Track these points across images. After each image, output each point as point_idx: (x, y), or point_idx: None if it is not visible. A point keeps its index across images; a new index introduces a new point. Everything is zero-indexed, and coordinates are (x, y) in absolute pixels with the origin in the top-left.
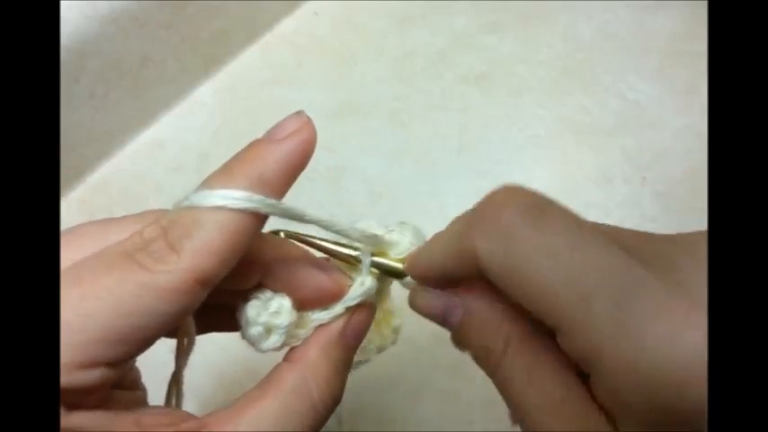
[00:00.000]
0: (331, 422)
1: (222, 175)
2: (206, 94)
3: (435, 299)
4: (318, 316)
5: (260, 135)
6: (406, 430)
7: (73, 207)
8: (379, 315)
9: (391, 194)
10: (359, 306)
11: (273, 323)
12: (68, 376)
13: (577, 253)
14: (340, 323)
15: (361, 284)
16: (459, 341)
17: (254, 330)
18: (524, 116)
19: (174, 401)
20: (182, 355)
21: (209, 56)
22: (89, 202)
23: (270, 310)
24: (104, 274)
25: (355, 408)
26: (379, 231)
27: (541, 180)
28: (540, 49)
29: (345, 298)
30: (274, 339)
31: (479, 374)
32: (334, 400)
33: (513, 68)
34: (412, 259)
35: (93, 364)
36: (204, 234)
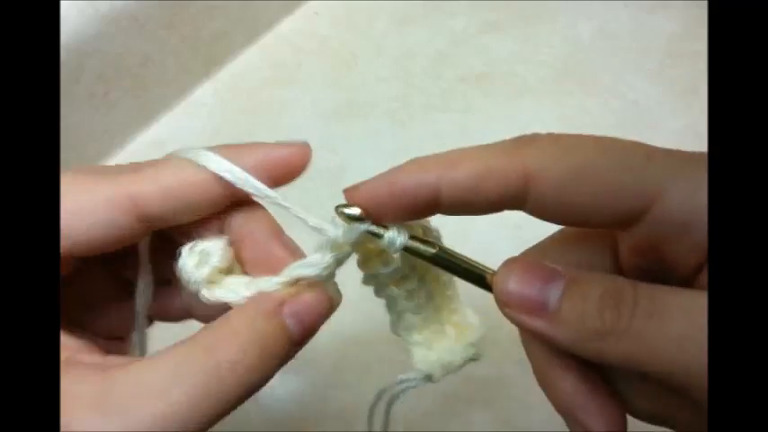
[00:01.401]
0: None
1: (228, 148)
2: (206, 94)
3: (529, 273)
4: (266, 280)
5: (260, 135)
6: (406, 430)
7: None
8: (447, 329)
9: None
10: (314, 286)
11: (207, 255)
12: None
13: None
14: (279, 295)
15: (319, 253)
16: (568, 314)
17: (187, 260)
18: (524, 116)
19: (137, 345)
20: (139, 296)
21: (209, 56)
22: None
23: (205, 243)
24: (82, 183)
25: (355, 407)
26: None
27: None
28: (540, 49)
29: (292, 265)
30: (203, 274)
31: (479, 374)
32: (249, 373)
33: (513, 68)
34: (435, 172)
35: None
36: (161, 168)
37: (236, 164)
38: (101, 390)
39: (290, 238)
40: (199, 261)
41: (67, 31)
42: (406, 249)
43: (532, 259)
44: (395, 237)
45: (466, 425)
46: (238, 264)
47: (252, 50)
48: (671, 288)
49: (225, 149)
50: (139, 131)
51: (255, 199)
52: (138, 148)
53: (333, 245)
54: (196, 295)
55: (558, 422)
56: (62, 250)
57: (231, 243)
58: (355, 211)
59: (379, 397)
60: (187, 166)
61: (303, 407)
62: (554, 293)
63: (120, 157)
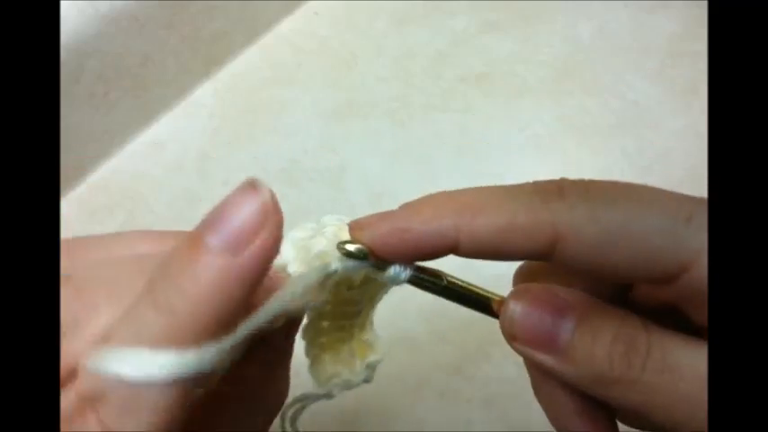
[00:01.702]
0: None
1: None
2: (206, 94)
3: (539, 307)
4: None
5: (260, 135)
6: (406, 430)
7: (73, 207)
8: (353, 344)
9: (391, 194)
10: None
11: None
12: None
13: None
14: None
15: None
16: (576, 353)
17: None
18: (524, 116)
19: None
20: None
21: (209, 56)
22: (89, 202)
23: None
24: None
25: (355, 407)
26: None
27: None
28: (540, 49)
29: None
30: None
31: (479, 374)
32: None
33: (513, 68)
34: (453, 223)
35: None
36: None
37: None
38: None
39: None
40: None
41: (67, 31)
42: (411, 282)
43: (542, 289)
44: (399, 272)
45: (466, 425)
46: None
47: (252, 50)
48: (683, 340)
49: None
50: (139, 131)
51: None
52: (138, 148)
53: (326, 274)
54: None
55: None
56: None
57: None
58: (359, 248)
59: (282, 417)
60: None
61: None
62: (564, 329)
63: (120, 157)
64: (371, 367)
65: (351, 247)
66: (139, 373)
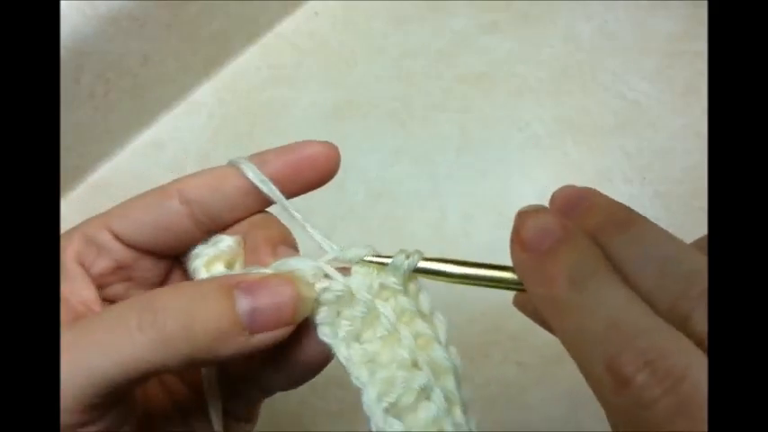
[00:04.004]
0: None
1: (258, 153)
2: (206, 94)
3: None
4: (255, 269)
5: (260, 135)
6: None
7: (73, 207)
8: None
9: (391, 194)
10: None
11: (215, 242)
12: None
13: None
14: (247, 276)
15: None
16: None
17: (201, 247)
18: (524, 116)
19: None
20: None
21: (209, 56)
22: (89, 202)
23: (219, 236)
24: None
25: (355, 407)
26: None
27: (541, 180)
28: (540, 49)
29: (282, 259)
30: (207, 251)
31: (479, 375)
32: (170, 337)
33: (513, 68)
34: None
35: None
36: (207, 170)
37: (264, 172)
38: None
39: (292, 250)
40: (209, 243)
41: (67, 31)
42: (419, 271)
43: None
44: (401, 260)
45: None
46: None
47: (252, 50)
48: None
49: (255, 156)
50: (139, 131)
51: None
52: (138, 148)
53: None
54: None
55: (558, 422)
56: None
57: (244, 247)
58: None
59: None
60: (229, 170)
61: (303, 406)
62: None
63: (120, 157)
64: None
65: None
66: None
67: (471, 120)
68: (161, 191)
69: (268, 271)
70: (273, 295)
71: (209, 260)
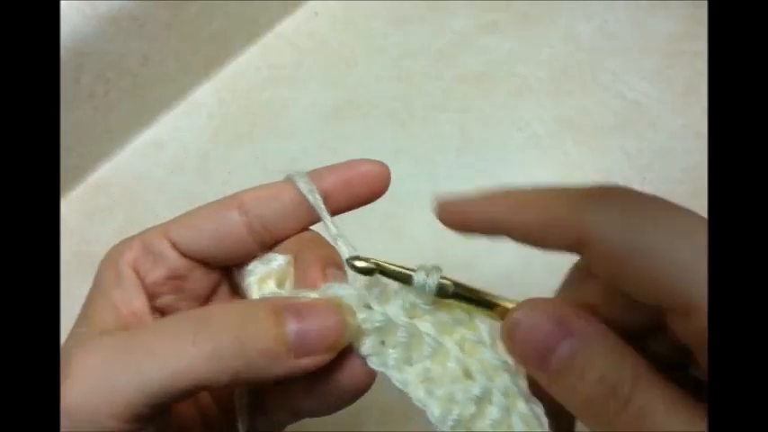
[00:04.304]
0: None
1: (316, 170)
2: (206, 94)
3: (543, 320)
4: (303, 291)
5: (260, 135)
6: (406, 430)
7: (73, 207)
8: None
9: (391, 194)
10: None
11: (268, 261)
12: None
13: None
14: (296, 300)
15: (345, 290)
16: (562, 380)
17: (252, 265)
18: (524, 116)
19: None
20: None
21: (209, 56)
22: (89, 202)
23: (271, 255)
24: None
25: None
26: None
27: (541, 180)
28: (540, 49)
29: (329, 283)
30: (259, 269)
31: None
32: (224, 356)
33: (513, 68)
34: (496, 201)
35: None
36: (268, 184)
37: (318, 186)
38: None
39: (340, 271)
40: (262, 260)
41: (67, 31)
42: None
43: (551, 303)
44: (424, 280)
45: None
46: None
47: (252, 50)
48: (669, 403)
49: (312, 171)
50: (139, 131)
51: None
52: (138, 148)
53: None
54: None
55: None
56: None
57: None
58: (367, 264)
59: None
60: (286, 184)
61: None
62: (560, 351)
63: (120, 157)
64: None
65: (360, 264)
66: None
67: (471, 120)
68: (221, 202)
69: (314, 295)
70: (321, 320)
71: (262, 277)
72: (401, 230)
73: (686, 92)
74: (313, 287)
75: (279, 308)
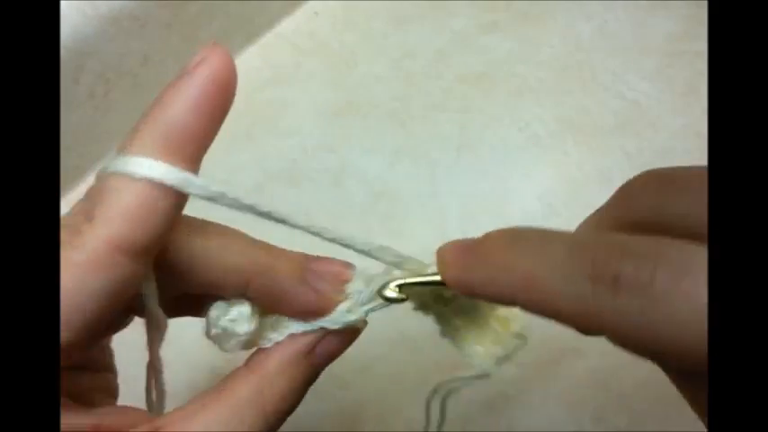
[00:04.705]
0: None
1: (133, 137)
2: None
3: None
4: (294, 326)
5: (260, 135)
6: (406, 430)
7: None
8: (493, 323)
9: (391, 194)
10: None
11: (232, 329)
12: None
13: None
14: (311, 339)
15: (348, 312)
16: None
17: (214, 332)
18: (524, 116)
19: (153, 393)
20: (152, 341)
21: None
22: None
23: (229, 317)
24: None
25: (356, 407)
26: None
27: (541, 180)
28: (540, 49)
29: (326, 319)
30: (233, 344)
31: None
32: (289, 413)
33: (513, 68)
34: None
35: None
36: (117, 199)
37: (168, 158)
38: None
39: (318, 261)
40: (225, 333)
41: (67, 31)
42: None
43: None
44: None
45: (466, 425)
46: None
47: (252, 50)
48: None
49: (133, 137)
50: None
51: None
52: None
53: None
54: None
55: (558, 422)
56: (96, 325)
57: (252, 297)
58: (399, 295)
59: (435, 391)
60: (134, 184)
61: (303, 406)
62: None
63: None
64: (519, 333)
65: (391, 294)
66: (153, 173)
67: (471, 120)
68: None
69: (317, 326)
70: (344, 346)
71: (247, 342)
72: (401, 230)
73: (686, 92)
74: (326, 311)
75: (316, 366)
